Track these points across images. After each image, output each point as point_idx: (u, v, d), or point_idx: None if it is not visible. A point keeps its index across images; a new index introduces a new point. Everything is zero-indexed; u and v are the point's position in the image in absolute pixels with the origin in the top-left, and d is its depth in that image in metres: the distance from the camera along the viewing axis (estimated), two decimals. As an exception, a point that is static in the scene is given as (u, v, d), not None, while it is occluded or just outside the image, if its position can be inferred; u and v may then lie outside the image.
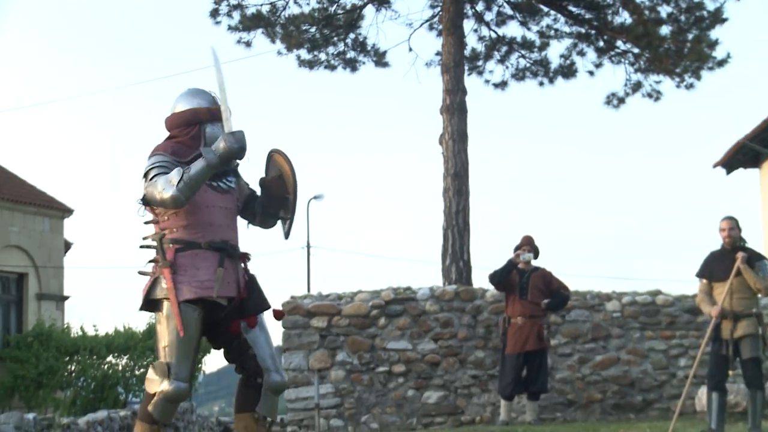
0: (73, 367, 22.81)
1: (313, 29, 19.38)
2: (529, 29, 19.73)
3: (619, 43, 19.29)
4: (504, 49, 20.00)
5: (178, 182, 5.13)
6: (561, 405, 13.50)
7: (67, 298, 27.28)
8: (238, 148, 5.27)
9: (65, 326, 25.03)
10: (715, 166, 23.99)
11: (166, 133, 5.63)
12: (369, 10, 19.63)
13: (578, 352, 13.65)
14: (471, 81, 19.21)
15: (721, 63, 18.77)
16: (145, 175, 5.34)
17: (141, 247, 5.52)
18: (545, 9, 19.35)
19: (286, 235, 5.77)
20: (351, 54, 19.82)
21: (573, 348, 13.64)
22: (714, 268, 10.23)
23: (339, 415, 13.17)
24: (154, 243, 5.41)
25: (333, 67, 19.87)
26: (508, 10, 19.73)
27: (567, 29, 19.61)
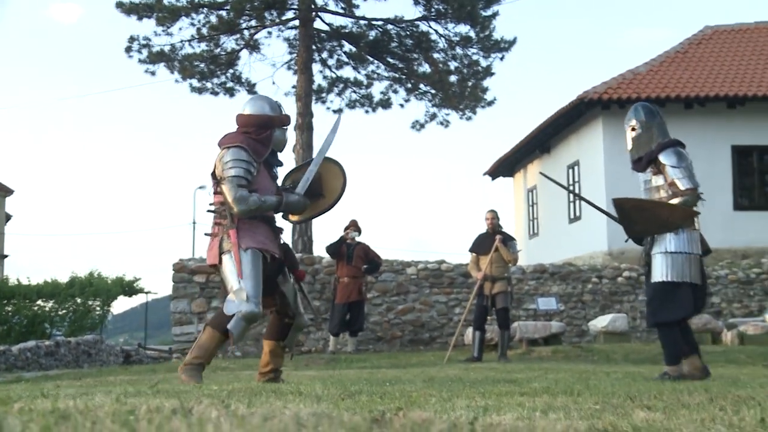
0: (10, 308, 21.74)
1: (202, 65, 19.05)
2: (359, 72, 19.88)
3: (421, 85, 19.61)
4: (341, 85, 20.06)
5: (253, 206, 4.90)
6: (373, 340, 13.66)
7: (6, 256, 26.06)
8: (299, 210, 5.20)
9: (5, 277, 23.83)
10: (484, 174, 24.73)
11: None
12: (244, 53, 19.51)
13: (386, 302, 13.83)
14: (317, 108, 19.26)
15: (490, 103, 19.39)
16: (225, 164, 4.95)
17: (208, 211, 5.17)
18: (371, 59, 19.51)
19: (295, 221, 5.50)
20: (230, 84, 19.56)
21: (383, 300, 13.82)
22: (480, 245, 10.54)
23: (213, 345, 12.96)
24: (221, 210, 5.05)
25: (216, 93, 19.56)
26: (344, 58, 19.83)
27: (386, 74, 19.84)
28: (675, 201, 5.46)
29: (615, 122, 17.55)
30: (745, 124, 17.85)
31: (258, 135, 5.10)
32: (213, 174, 5.11)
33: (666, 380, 5.23)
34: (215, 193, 5.11)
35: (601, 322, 13.10)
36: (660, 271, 5.47)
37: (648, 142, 5.62)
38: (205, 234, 5.20)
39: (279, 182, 5.32)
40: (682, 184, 5.42)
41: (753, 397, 3.48)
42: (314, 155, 5.46)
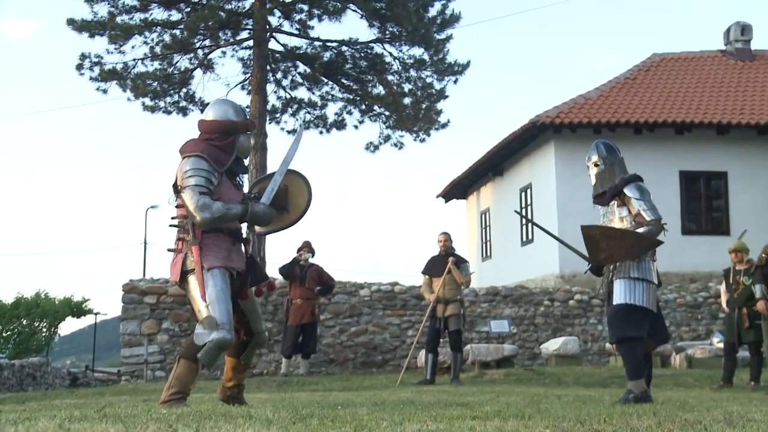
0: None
1: (155, 83, 18.87)
2: (313, 93, 19.86)
3: (375, 107, 19.67)
4: (295, 106, 20.03)
5: (217, 214, 4.71)
6: (325, 362, 13.60)
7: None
8: (265, 221, 5.02)
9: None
10: (437, 196, 24.87)
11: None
12: (198, 73, 19.36)
13: (339, 324, 13.79)
14: (271, 128, 19.16)
15: (444, 125, 19.53)
16: (185, 174, 4.74)
17: (170, 226, 4.92)
18: (325, 80, 19.53)
19: (258, 233, 5.33)
20: (183, 103, 19.40)
21: (336, 321, 13.78)
22: (433, 268, 10.57)
23: (162, 368, 12.80)
24: (183, 224, 4.82)
25: (169, 112, 19.39)
26: (299, 79, 19.82)
27: (340, 95, 19.85)
28: (641, 230, 5.71)
29: (567, 146, 17.81)
30: (692, 150, 18.27)
31: (221, 141, 4.90)
32: (174, 185, 4.88)
33: (630, 398, 5.48)
34: (177, 206, 4.88)
35: (552, 345, 13.21)
36: (621, 295, 5.72)
37: (611, 177, 5.91)
38: (168, 250, 4.96)
39: (245, 189, 5.17)
40: (647, 216, 5.72)
41: (700, 421, 3.54)
42: (277, 167, 5.31)
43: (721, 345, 11.22)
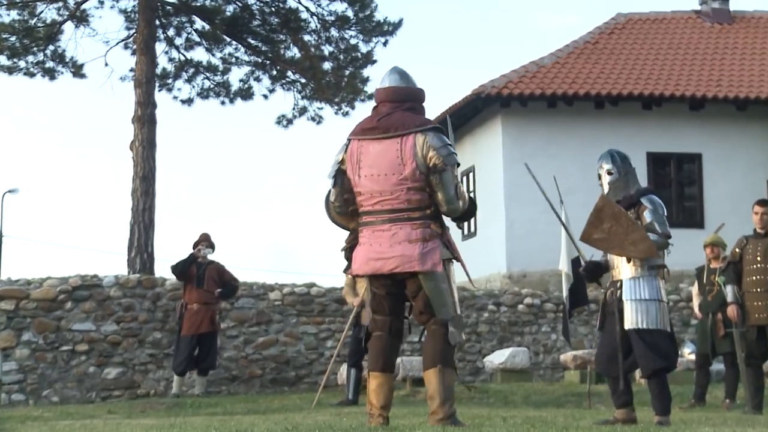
0: None
1: (13, 38, 18.39)
2: (213, 55, 19.67)
3: (289, 73, 19.60)
4: (191, 70, 19.81)
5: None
6: (227, 380, 13.51)
7: None
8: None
9: None
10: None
11: None
12: (68, 26, 18.91)
13: (244, 334, 13.71)
14: (161, 96, 18.91)
15: (371, 96, 19.46)
16: (446, 147, 5.17)
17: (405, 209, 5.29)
18: (228, 39, 19.36)
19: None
20: (50, 64, 18.96)
21: (240, 331, 13.70)
22: (357, 266, 10.58)
23: (21, 390, 12.55)
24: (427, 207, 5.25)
25: (32, 75, 18.92)
26: (195, 37, 19.60)
27: (246, 58, 19.72)
28: (650, 236, 6.27)
29: (516, 122, 18.03)
30: (661, 127, 18.67)
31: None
32: (418, 160, 5.09)
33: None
34: (412, 187, 5.14)
35: (498, 358, 13.37)
36: (633, 318, 6.28)
37: (625, 188, 6.56)
38: (421, 239, 5.21)
39: None
40: (660, 228, 6.35)
41: (667, 443, 3.62)
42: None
43: (693, 356, 11.51)
